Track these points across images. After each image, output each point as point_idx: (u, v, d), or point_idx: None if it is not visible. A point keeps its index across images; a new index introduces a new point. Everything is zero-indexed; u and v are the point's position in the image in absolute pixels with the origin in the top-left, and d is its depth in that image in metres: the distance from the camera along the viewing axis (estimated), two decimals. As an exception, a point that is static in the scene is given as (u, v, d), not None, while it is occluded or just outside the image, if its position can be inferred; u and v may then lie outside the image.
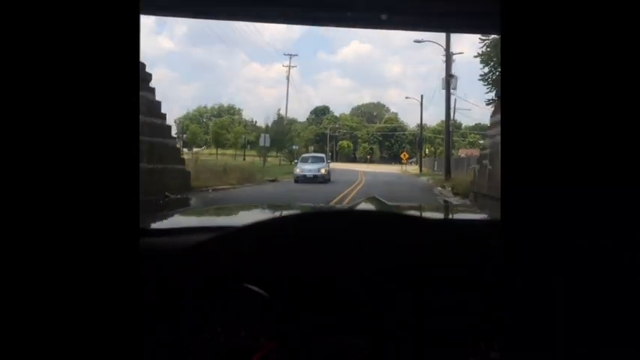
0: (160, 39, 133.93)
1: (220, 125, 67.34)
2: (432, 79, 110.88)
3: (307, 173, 21.61)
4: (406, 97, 52.42)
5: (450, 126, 23.95)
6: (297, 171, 22.10)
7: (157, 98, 12.45)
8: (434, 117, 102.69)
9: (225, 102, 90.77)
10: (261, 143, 29.41)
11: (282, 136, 41.05)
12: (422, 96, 42.19)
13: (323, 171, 22.08)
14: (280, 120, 43.10)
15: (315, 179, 21.26)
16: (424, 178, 30.99)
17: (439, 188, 19.81)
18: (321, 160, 23.70)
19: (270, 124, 42.57)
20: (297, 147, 45.94)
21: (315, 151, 37.36)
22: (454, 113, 38.14)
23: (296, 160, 27.53)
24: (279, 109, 44.49)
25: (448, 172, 22.79)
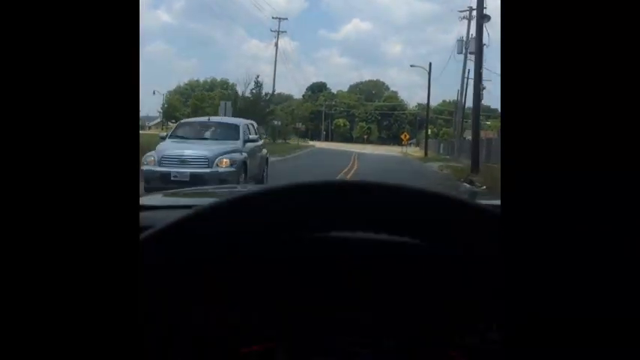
0: (157, 13, 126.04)
1: (200, 98, 60.29)
2: (434, 60, 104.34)
3: (174, 169, 8.34)
4: (411, 66, 44.95)
5: (479, 94, 16.64)
6: (150, 160, 8.53)
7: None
8: (436, 96, 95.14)
9: (219, 77, 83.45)
10: (221, 114, 21.36)
11: (261, 108, 33.17)
12: (430, 64, 35.06)
13: (225, 163, 8.51)
14: (258, 89, 35.25)
15: (196, 181, 7.87)
16: (434, 165, 24.16)
17: (467, 185, 13.04)
18: (227, 134, 9.52)
19: (244, 92, 34.77)
20: (278, 122, 38.47)
21: (308, 131, 24.47)
22: (466, 87, 30.89)
23: (163, 134, 10.61)
24: (258, 76, 35.93)
25: (476, 161, 15.70)
